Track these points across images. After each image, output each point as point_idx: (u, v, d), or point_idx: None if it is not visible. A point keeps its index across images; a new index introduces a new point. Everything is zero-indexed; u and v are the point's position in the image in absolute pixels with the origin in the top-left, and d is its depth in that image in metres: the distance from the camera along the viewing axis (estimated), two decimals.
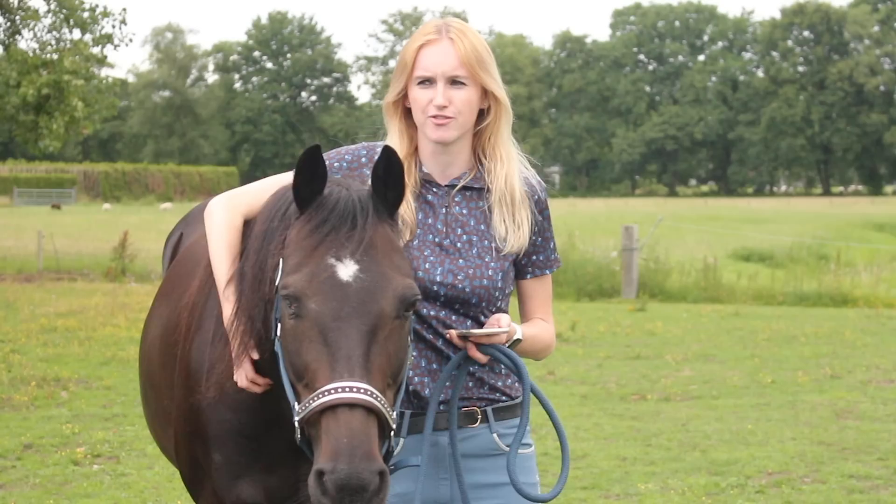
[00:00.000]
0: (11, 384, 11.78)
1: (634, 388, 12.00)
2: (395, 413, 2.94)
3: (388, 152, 3.02)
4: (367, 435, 2.77)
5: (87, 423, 10.07)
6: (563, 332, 15.53)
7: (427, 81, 3.39)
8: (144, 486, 8.06)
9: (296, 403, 2.94)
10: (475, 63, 3.40)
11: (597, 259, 23.62)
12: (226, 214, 3.42)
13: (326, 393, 2.82)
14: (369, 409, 2.80)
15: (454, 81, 3.39)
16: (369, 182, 3.13)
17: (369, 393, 2.81)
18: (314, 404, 2.83)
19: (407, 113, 3.50)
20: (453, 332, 3.32)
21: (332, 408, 2.80)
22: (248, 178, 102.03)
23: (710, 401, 11.32)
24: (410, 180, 3.43)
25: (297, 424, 2.91)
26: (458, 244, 3.44)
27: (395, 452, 3.34)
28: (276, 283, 3.05)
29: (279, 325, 3.03)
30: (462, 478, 3.37)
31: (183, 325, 3.62)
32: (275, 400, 3.22)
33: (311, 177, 3.04)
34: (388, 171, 3.05)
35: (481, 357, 3.30)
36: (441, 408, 3.42)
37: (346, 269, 2.95)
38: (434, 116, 3.38)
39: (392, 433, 2.93)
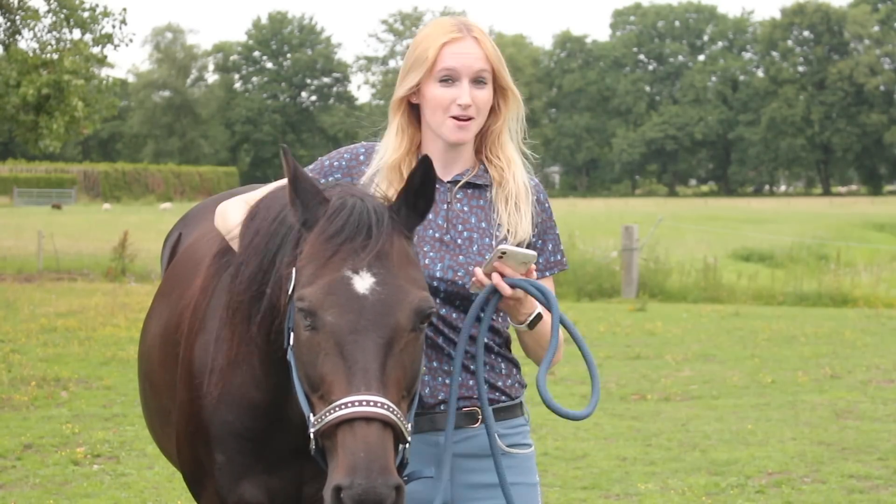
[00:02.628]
0: (11, 384, 11.78)
1: (634, 388, 12.00)
2: (409, 425, 2.92)
3: (426, 162, 2.99)
4: (383, 449, 2.76)
5: (87, 423, 10.07)
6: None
7: (450, 79, 3.38)
8: (144, 486, 8.06)
9: (311, 415, 2.92)
10: (498, 62, 3.42)
11: (597, 259, 23.62)
12: (240, 214, 3.39)
13: (343, 406, 2.80)
14: (386, 423, 2.79)
15: (477, 80, 3.39)
16: (375, 192, 3.11)
17: (386, 406, 2.80)
18: (330, 417, 2.81)
19: (410, 110, 3.49)
20: (478, 270, 3.25)
21: (348, 421, 2.78)
22: (247, 178, 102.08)
23: (710, 401, 11.31)
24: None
25: (311, 435, 2.90)
26: (459, 240, 3.43)
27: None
28: (290, 293, 3.02)
29: (292, 334, 3.01)
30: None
31: (185, 324, 3.61)
32: (278, 402, 3.22)
33: (294, 177, 3.03)
34: (424, 181, 3.01)
35: (507, 289, 3.21)
36: (441, 408, 3.41)
37: (363, 282, 2.92)
38: (456, 117, 3.37)
39: (406, 445, 2.91)
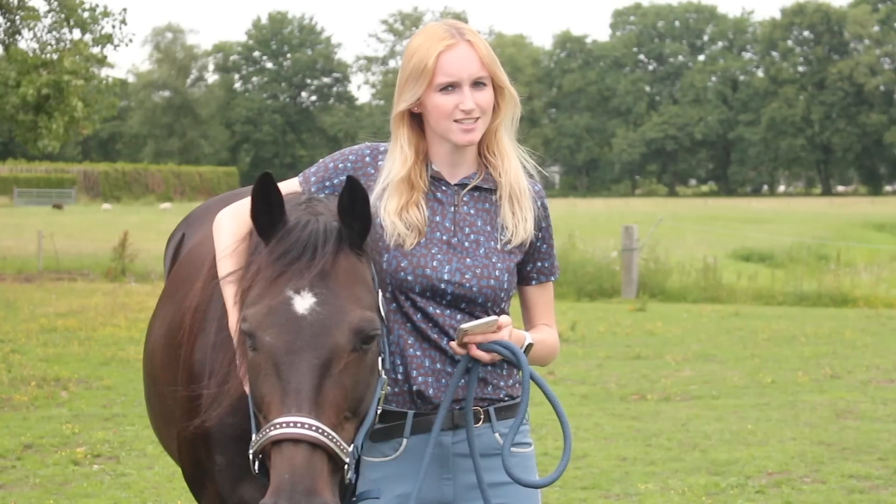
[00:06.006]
0: (11, 384, 11.79)
1: (634, 388, 12.00)
2: (352, 446, 2.94)
3: (352, 183, 3.02)
4: (309, 471, 2.77)
5: (87, 423, 10.07)
6: (563, 332, 15.53)
7: (450, 86, 3.41)
8: (144, 486, 8.07)
9: (254, 434, 2.96)
10: (493, 63, 3.45)
11: (597, 259, 23.63)
12: (233, 226, 3.42)
13: (274, 427, 2.83)
14: (315, 445, 2.80)
15: (476, 83, 3.42)
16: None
17: (315, 428, 2.81)
18: (263, 438, 2.86)
19: (412, 119, 3.51)
20: (453, 344, 3.33)
21: (277, 442, 2.81)
22: (247, 178, 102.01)
23: (710, 401, 11.32)
24: (421, 184, 3.45)
25: (250, 455, 2.93)
26: (466, 243, 3.45)
27: (397, 454, 3.34)
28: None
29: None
30: (482, 475, 3.35)
31: (186, 326, 3.63)
32: None
33: (266, 206, 3.04)
34: (353, 201, 3.04)
35: (483, 355, 3.28)
36: None
37: (303, 302, 2.95)
38: (460, 121, 3.40)
39: (347, 466, 2.92)
